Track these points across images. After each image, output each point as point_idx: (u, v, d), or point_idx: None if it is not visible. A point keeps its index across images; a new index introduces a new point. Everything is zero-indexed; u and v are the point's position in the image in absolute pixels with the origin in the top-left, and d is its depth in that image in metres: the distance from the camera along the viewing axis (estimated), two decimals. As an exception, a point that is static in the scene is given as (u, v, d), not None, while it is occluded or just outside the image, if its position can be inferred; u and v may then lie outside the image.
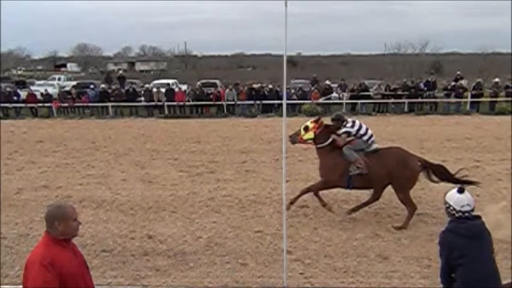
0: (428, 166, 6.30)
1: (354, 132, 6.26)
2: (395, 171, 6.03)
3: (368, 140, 6.27)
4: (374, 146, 6.34)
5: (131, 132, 15.13)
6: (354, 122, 6.35)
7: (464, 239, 2.92)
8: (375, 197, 6.49)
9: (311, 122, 6.57)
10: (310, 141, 6.53)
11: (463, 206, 2.98)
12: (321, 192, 6.63)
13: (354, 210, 6.49)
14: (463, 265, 2.91)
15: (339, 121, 6.42)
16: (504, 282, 3.23)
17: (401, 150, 6.48)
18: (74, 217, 2.67)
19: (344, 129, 6.30)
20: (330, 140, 6.39)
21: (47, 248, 2.57)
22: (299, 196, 6.55)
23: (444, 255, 3.01)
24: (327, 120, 6.81)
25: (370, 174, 6.08)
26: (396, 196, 6.30)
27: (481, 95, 19.28)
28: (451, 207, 3.02)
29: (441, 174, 6.25)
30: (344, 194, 7.09)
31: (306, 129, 6.51)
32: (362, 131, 6.27)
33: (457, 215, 3.00)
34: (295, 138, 6.64)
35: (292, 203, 6.50)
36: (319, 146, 6.47)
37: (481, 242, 2.95)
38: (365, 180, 6.15)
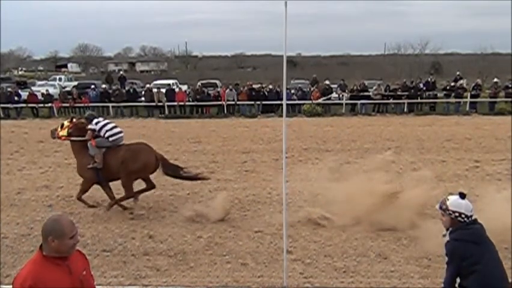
0: (165, 164, 7.12)
1: (97, 130, 6.93)
2: (125, 163, 6.79)
3: (112, 136, 6.90)
4: (121, 143, 7.07)
5: (131, 132, 15.02)
6: (99, 121, 7.05)
7: (474, 245, 2.84)
8: (150, 186, 7.29)
9: (67, 122, 7.33)
10: (64, 136, 7.23)
11: (471, 211, 2.91)
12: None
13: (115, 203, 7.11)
14: (477, 271, 2.81)
15: (89, 120, 7.12)
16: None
17: (141, 145, 7.23)
18: (71, 235, 2.39)
19: (88, 126, 7.01)
20: (85, 137, 6.99)
21: (34, 267, 2.36)
22: (80, 196, 7.17)
23: (454, 265, 2.90)
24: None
25: (110, 168, 6.81)
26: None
27: (480, 95, 19.29)
28: (463, 215, 2.90)
29: (174, 172, 7.19)
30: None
31: (62, 126, 7.27)
32: (106, 128, 6.93)
33: (467, 221, 2.90)
34: (54, 134, 7.35)
35: (79, 199, 7.18)
36: (71, 139, 7.16)
37: (488, 245, 2.89)
38: (109, 173, 6.88)
